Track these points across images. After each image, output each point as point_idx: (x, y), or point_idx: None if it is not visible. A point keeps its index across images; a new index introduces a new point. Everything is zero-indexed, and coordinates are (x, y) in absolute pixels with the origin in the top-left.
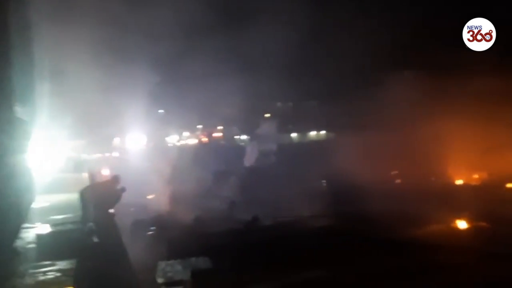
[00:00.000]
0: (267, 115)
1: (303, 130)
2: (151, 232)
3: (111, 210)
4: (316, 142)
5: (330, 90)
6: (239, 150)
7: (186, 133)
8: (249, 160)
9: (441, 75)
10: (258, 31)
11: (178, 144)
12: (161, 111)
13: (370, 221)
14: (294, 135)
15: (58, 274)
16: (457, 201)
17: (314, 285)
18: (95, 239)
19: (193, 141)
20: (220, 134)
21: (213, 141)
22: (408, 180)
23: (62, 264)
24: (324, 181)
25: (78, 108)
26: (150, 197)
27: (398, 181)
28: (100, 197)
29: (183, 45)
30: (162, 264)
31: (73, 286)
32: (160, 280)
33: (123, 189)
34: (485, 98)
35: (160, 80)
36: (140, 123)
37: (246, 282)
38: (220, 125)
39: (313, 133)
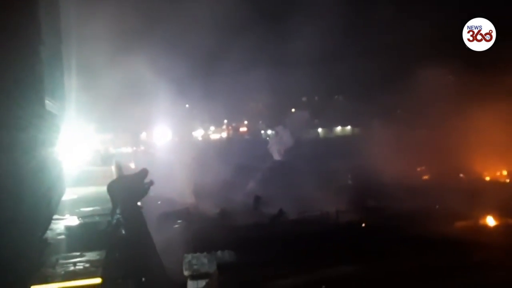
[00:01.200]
0: (293, 110)
1: (329, 125)
2: (177, 225)
3: (139, 203)
4: (343, 137)
5: (356, 85)
6: (265, 144)
7: (212, 128)
8: (278, 153)
9: (471, 72)
10: (286, 28)
11: (204, 138)
12: (187, 105)
13: (397, 217)
14: (320, 130)
15: (87, 265)
16: (485, 198)
17: (340, 282)
18: (123, 231)
19: (219, 136)
20: (246, 129)
21: (238, 135)
22: (435, 176)
23: (90, 255)
24: (350, 176)
25: (106, 103)
26: (176, 190)
27: (425, 177)
28: (128, 190)
29: (212, 41)
30: (188, 257)
31: (102, 277)
32: (186, 273)
33: (151, 183)
34: None
35: (187, 75)
36: (166, 118)
37: (271, 276)
38: (246, 120)
39: (338, 128)
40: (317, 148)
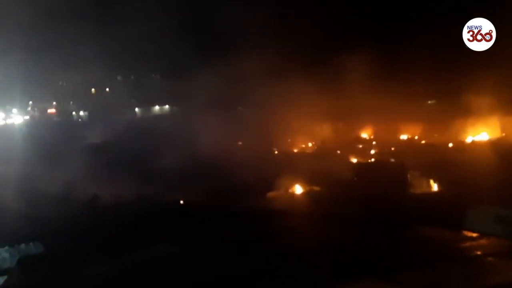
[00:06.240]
0: (107, 89)
1: (146, 105)
2: None
3: None
4: (161, 117)
5: (173, 64)
6: (77, 126)
7: (14, 110)
8: (94, 136)
9: (292, 54)
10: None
11: (5, 122)
12: None
13: (214, 194)
14: (137, 109)
15: None
16: (295, 169)
17: (155, 263)
18: None
19: (23, 119)
20: (54, 111)
21: (46, 117)
22: (251, 151)
23: None
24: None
25: None
26: None
27: (242, 153)
28: None
29: (13, 12)
30: None
31: None
32: None
33: None
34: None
35: None
36: None
37: (79, 265)
38: (54, 101)
39: (156, 108)
40: (133, 129)
